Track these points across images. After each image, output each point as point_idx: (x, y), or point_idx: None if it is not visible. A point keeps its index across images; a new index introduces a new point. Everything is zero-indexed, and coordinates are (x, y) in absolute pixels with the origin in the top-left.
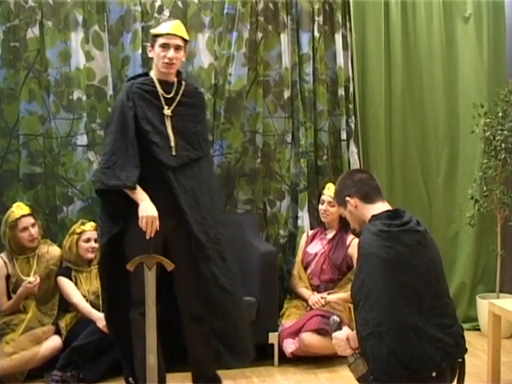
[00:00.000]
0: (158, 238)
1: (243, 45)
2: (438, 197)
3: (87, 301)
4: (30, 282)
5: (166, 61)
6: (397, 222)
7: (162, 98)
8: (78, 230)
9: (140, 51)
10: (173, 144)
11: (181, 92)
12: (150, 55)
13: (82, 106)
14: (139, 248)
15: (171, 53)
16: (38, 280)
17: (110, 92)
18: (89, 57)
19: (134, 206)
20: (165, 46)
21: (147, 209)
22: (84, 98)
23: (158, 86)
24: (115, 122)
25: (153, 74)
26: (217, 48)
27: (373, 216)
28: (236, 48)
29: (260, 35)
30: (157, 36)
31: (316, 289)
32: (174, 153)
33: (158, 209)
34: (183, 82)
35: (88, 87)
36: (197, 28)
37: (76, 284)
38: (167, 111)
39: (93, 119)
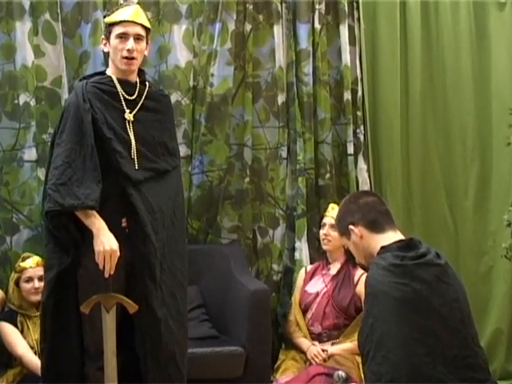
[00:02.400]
0: (118, 272)
1: (228, 39)
2: (466, 224)
3: (35, 353)
4: None
5: (125, 54)
6: (411, 253)
7: (122, 100)
8: (18, 268)
9: (102, 45)
10: (134, 155)
11: (144, 94)
12: (106, 50)
13: (30, 113)
14: (96, 286)
15: (130, 43)
16: None
17: (65, 95)
18: (38, 52)
19: (88, 231)
20: (122, 37)
21: (105, 241)
22: (32, 102)
23: (117, 85)
24: (68, 129)
25: (110, 72)
26: (196, 43)
27: (382, 248)
28: (219, 43)
29: (249, 27)
30: (112, 25)
31: (317, 338)
32: (136, 165)
33: (116, 235)
34: (147, 83)
35: (37, 89)
36: (171, 18)
37: (22, 332)
38: (129, 115)
39: (43, 129)
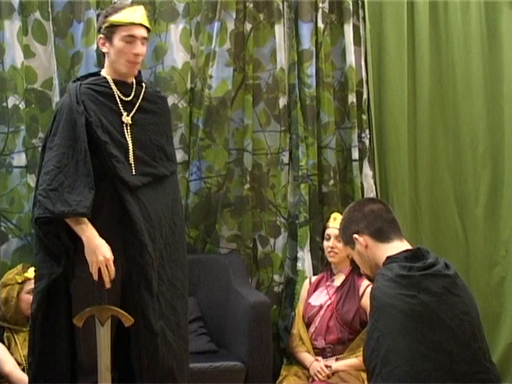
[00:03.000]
0: (114, 282)
1: (227, 39)
2: (477, 233)
3: (24, 370)
4: None
5: (131, 58)
6: (419, 264)
7: (119, 102)
8: (20, 279)
9: (95, 46)
10: (132, 159)
11: (141, 95)
12: (104, 50)
13: (19, 117)
14: (90, 297)
15: (139, 47)
16: None
17: (56, 98)
18: (28, 53)
19: (80, 239)
20: (129, 39)
21: (97, 249)
22: (22, 105)
23: (113, 86)
24: (61, 132)
25: (105, 73)
26: (194, 43)
27: (388, 258)
28: (218, 43)
29: (249, 26)
30: (116, 25)
31: (321, 353)
32: (133, 170)
33: (112, 244)
34: (143, 84)
35: (27, 92)
36: (168, 17)
37: (9, 348)
38: (126, 118)
39: (33, 133)
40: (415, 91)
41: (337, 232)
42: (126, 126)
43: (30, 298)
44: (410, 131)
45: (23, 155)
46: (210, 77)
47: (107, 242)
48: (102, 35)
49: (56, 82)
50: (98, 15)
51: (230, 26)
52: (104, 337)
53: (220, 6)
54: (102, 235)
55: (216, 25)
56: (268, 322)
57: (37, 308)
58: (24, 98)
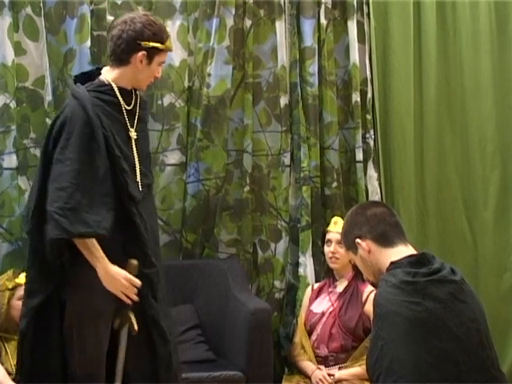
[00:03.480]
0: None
1: (226, 35)
2: (486, 237)
3: (14, 380)
4: None
5: (153, 79)
6: (424, 269)
7: (124, 112)
8: (10, 285)
9: (89, 43)
10: (138, 175)
11: (138, 103)
12: (138, 65)
13: (9, 116)
14: (90, 304)
15: (160, 71)
16: None
17: (49, 97)
18: (19, 50)
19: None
20: (161, 64)
21: (117, 277)
22: (13, 104)
23: (119, 96)
24: (75, 146)
25: (112, 80)
26: (191, 40)
27: (391, 263)
28: (217, 40)
29: (248, 23)
30: (160, 50)
31: (323, 361)
32: (140, 186)
33: (116, 256)
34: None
35: (18, 90)
36: (165, 13)
37: None
38: (133, 133)
39: (25, 133)
40: (422, 90)
41: (338, 237)
42: (131, 141)
43: (20, 304)
44: (417, 131)
45: (14, 156)
46: (209, 75)
47: (111, 252)
48: (145, 52)
49: (48, 80)
50: (91, 11)
51: (229, 22)
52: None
53: (219, 2)
54: (104, 244)
55: (215, 21)
56: (268, 330)
57: (26, 326)
58: (15, 96)
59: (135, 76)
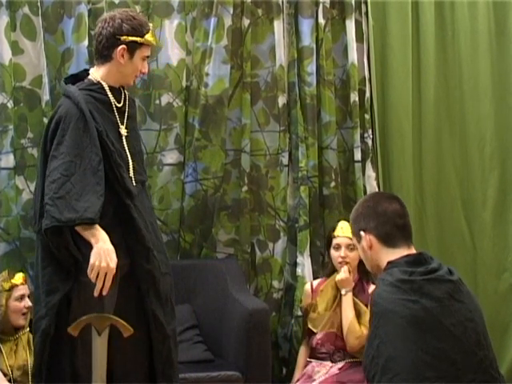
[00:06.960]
0: (113, 289)
1: (224, 35)
2: (485, 238)
3: (10, 381)
4: None
5: (139, 74)
6: (421, 268)
7: (115, 110)
8: (7, 286)
9: (86, 42)
10: (132, 171)
11: (127, 101)
12: (121, 60)
13: (7, 116)
14: (91, 303)
15: (147, 66)
16: None
17: (46, 97)
18: (16, 49)
19: (85, 249)
20: (145, 59)
21: (105, 255)
22: (10, 104)
23: (109, 94)
24: (68, 141)
25: (101, 78)
26: (189, 39)
27: (389, 263)
28: (215, 39)
29: (247, 22)
30: (140, 44)
31: (329, 357)
32: (134, 181)
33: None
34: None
35: (15, 90)
36: (163, 12)
37: None
38: (124, 130)
39: (22, 133)
40: (420, 90)
41: (347, 241)
42: (122, 138)
43: (18, 305)
44: (415, 131)
45: (11, 156)
46: (207, 74)
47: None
48: (124, 46)
49: (46, 79)
50: (89, 10)
51: (227, 21)
52: (100, 347)
53: (217, 1)
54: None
55: (212, 20)
56: (267, 330)
57: (49, 324)
58: (12, 96)
59: (120, 72)
